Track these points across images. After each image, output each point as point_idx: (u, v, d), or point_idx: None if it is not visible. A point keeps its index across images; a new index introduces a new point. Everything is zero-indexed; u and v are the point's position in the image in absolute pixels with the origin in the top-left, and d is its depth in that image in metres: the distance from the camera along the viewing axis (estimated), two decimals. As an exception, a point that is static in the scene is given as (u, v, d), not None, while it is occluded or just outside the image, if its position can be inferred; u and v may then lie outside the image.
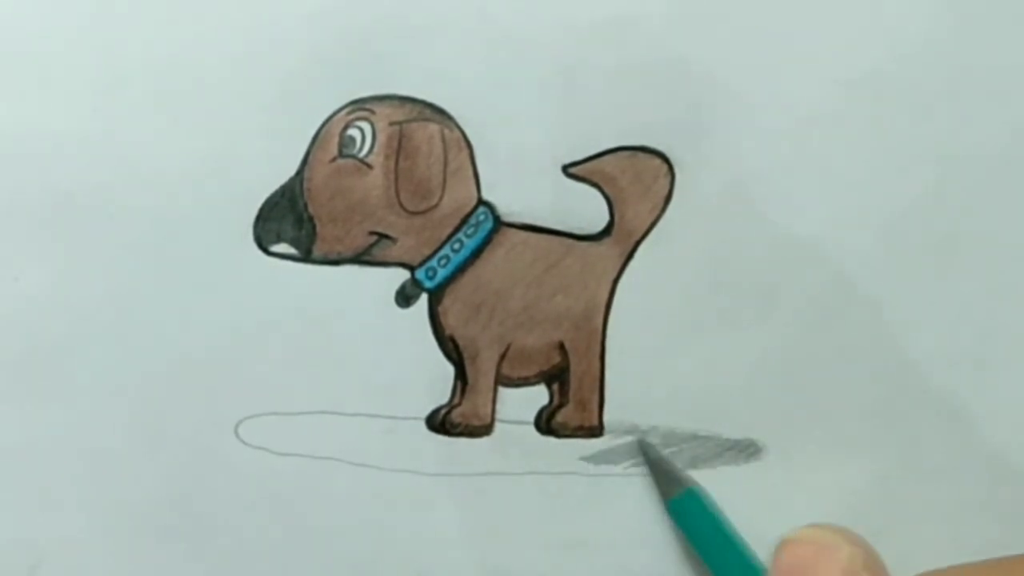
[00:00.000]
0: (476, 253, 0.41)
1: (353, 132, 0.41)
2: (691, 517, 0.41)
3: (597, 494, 0.42)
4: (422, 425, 0.42)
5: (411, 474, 0.42)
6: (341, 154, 0.41)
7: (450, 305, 0.42)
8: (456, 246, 0.41)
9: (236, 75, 0.40)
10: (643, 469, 0.42)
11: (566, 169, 0.41)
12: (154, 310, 0.41)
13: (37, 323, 0.41)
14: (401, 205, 0.41)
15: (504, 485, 0.42)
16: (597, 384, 0.42)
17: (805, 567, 0.35)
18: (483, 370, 0.42)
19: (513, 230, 0.41)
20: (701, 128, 0.41)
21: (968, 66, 0.41)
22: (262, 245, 0.41)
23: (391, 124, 0.41)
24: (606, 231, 0.42)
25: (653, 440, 0.41)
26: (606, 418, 0.42)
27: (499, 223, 0.41)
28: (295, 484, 0.42)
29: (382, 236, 0.41)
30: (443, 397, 0.42)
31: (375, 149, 0.41)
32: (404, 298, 0.41)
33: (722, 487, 0.42)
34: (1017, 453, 0.42)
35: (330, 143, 0.41)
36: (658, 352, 0.42)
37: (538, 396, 0.42)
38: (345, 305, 0.41)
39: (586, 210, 0.41)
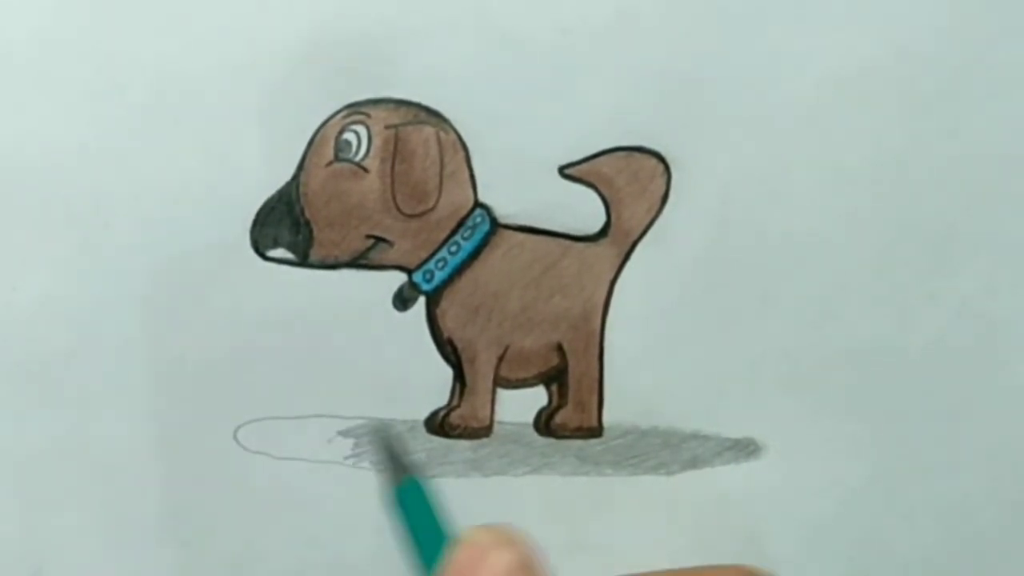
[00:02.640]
0: (473, 255, 0.41)
1: (349, 136, 0.41)
2: (410, 506, 0.40)
3: (598, 495, 0.42)
4: (421, 427, 0.42)
5: (411, 476, 0.42)
6: (337, 158, 0.41)
7: (448, 307, 0.42)
8: (453, 248, 0.41)
9: (231, 81, 0.40)
10: (375, 457, 0.41)
11: (562, 170, 0.41)
12: (152, 316, 0.41)
13: (36, 332, 0.40)
14: (398, 208, 0.41)
15: (504, 487, 0.42)
16: (596, 385, 0.42)
17: (467, 569, 0.36)
18: (482, 372, 0.42)
19: (510, 232, 0.41)
20: (697, 128, 0.41)
21: (965, 64, 0.41)
22: (259, 250, 0.41)
23: (387, 127, 0.41)
24: (603, 232, 0.42)
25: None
26: (605, 419, 0.42)
27: (496, 225, 0.41)
28: (295, 488, 0.42)
29: (379, 239, 0.41)
30: (442, 399, 0.42)
31: (371, 153, 0.41)
32: (402, 301, 0.41)
33: (722, 486, 0.42)
34: (1017, 451, 0.42)
35: (326, 147, 0.41)
36: (657, 352, 0.42)
37: (537, 397, 0.42)
38: (343, 309, 0.41)
39: (583, 211, 0.41)
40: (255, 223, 0.41)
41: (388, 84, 0.41)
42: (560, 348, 0.42)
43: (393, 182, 0.41)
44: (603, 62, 0.41)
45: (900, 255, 0.42)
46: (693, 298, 0.42)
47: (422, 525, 0.39)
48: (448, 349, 0.42)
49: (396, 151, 0.41)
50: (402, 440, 0.41)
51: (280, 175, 0.41)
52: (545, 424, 0.42)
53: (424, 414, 0.42)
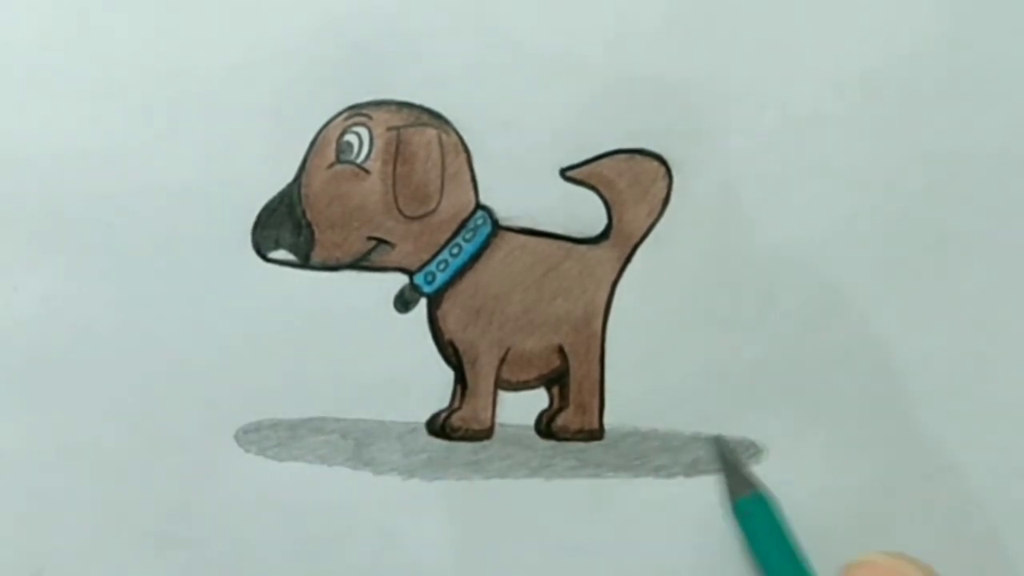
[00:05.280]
0: (475, 257, 0.41)
1: (351, 138, 0.41)
2: (755, 521, 0.41)
3: (598, 498, 0.42)
4: (422, 429, 0.42)
5: (411, 479, 0.42)
6: (339, 160, 0.41)
7: (449, 309, 0.42)
8: (455, 251, 0.41)
9: (233, 83, 0.40)
10: (714, 467, 0.41)
11: (564, 172, 0.41)
12: (153, 318, 0.41)
13: (37, 332, 0.41)
14: (399, 210, 0.41)
15: (505, 489, 0.42)
16: (597, 387, 0.42)
17: None
18: (483, 374, 0.42)
19: (511, 234, 0.41)
20: (698, 130, 0.41)
21: (963, 66, 0.42)
22: (261, 252, 0.41)
23: (388, 129, 0.41)
24: (604, 234, 0.42)
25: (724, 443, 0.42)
26: (606, 421, 0.42)
27: (497, 227, 0.41)
28: (295, 491, 0.42)
29: (380, 241, 0.41)
30: (443, 401, 0.42)
31: (373, 154, 0.41)
32: (403, 303, 0.41)
33: (723, 489, 0.42)
34: (1017, 453, 0.42)
35: (328, 149, 0.41)
36: (658, 354, 0.42)
37: (538, 400, 0.42)
38: (344, 311, 0.41)
39: (584, 213, 0.41)
40: (256, 225, 0.41)
41: (390, 86, 0.41)
42: (561, 350, 0.42)
43: (395, 184, 0.41)
44: (605, 64, 0.41)
45: (901, 259, 0.42)
46: (694, 301, 0.42)
47: (767, 538, 0.39)
48: (449, 351, 0.42)
49: (398, 153, 0.41)
50: (739, 454, 0.41)
51: (282, 177, 0.41)
52: (546, 426, 0.42)
53: (425, 416, 0.42)
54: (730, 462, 0.41)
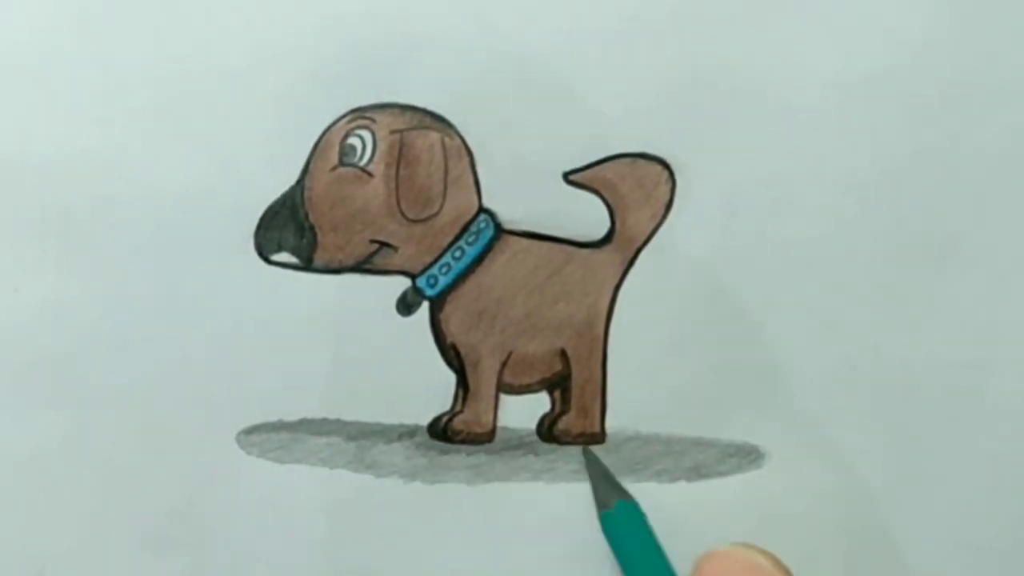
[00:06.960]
0: (477, 261, 0.41)
1: (354, 140, 0.41)
2: (622, 531, 0.41)
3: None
4: (424, 432, 0.42)
5: (413, 482, 0.42)
6: (342, 163, 0.41)
7: (451, 313, 0.41)
8: (457, 254, 0.41)
9: (236, 85, 0.40)
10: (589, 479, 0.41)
11: (567, 176, 0.41)
12: (155, 320, 0.41)
13: (37, 334, 0.40)
14: (402, 213, 0.41)
15: (507, 493, 0.42)
16: (599, 391, 0.42)
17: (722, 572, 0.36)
18: (485, 377, 0.42)
19: (514, 237, 0.41)
20: (702, 135, 0.41)
21: (966, 68, 0.42)
22: (263, 254, 0.41)
23: (392, 132, 0.41)
24: (607, 238, 0.42)
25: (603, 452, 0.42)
26: (608, 425, 0.42)
27: (500, 230, 0.41)
28: (296, 493, 0.42)
29: (383, 244, 0.41)
30: (445, 405, 0.42)
31: (376, 157, 0.41)
32: (405, 306, 0.41)
33: (724, 493, 0.42)
34: (1017, 456, 0.42)
35: (331, 152, 0.41)
36: (660, 358, 0.42)
37: (540, 403, 0.42)
38: (346, 314, 0.41)
39: (587, 217, 0.41)
40: (259, 227, 0.41)
41: (393, 89, 0.41)
42: (564, 354, 0.42)
43: (397, 187, 0.41)
44: (608, 68, 0.41)
45: (903, 263, 0.42)
46: (697, 305, 0.42)
47: (634, 548, 0.39)
48: (451, 354, 0.42)
49: (401, 156, 0.41)
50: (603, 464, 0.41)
51: (285, 179, 0.41)
52: (548, 430, 0.42)
53: (427, 419, 0.42)
54: (598, 473, 0.41)
